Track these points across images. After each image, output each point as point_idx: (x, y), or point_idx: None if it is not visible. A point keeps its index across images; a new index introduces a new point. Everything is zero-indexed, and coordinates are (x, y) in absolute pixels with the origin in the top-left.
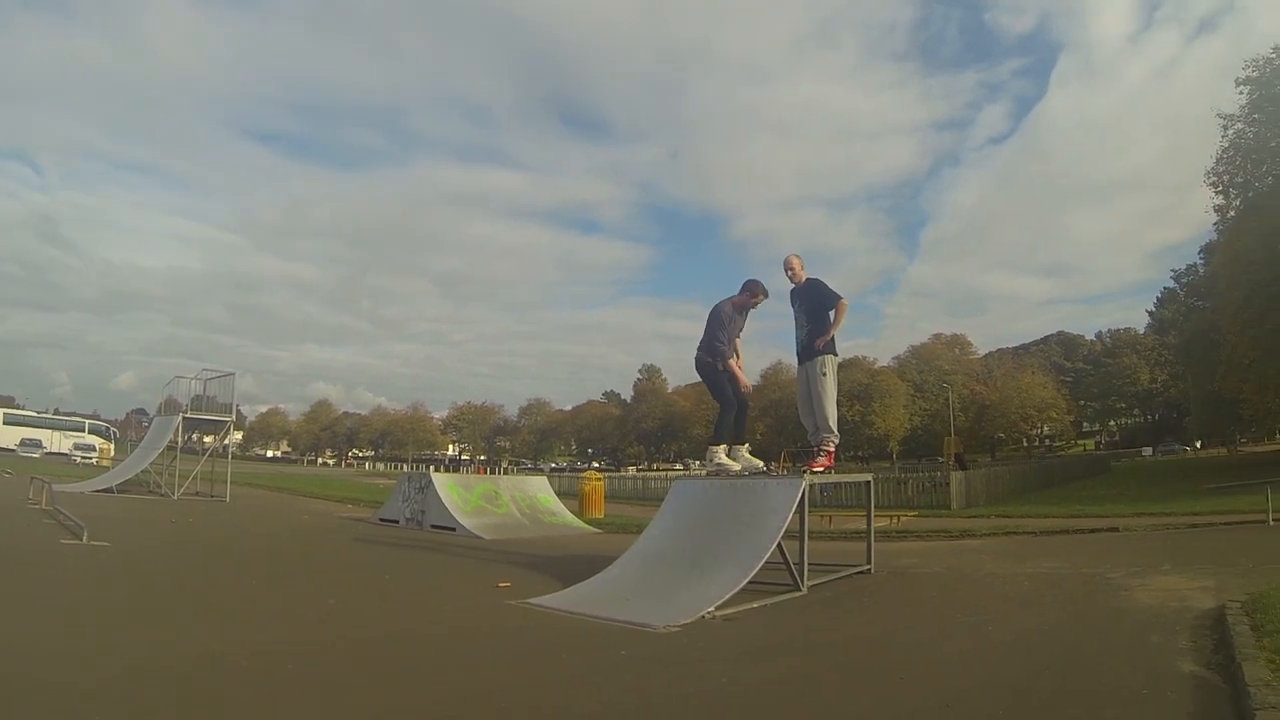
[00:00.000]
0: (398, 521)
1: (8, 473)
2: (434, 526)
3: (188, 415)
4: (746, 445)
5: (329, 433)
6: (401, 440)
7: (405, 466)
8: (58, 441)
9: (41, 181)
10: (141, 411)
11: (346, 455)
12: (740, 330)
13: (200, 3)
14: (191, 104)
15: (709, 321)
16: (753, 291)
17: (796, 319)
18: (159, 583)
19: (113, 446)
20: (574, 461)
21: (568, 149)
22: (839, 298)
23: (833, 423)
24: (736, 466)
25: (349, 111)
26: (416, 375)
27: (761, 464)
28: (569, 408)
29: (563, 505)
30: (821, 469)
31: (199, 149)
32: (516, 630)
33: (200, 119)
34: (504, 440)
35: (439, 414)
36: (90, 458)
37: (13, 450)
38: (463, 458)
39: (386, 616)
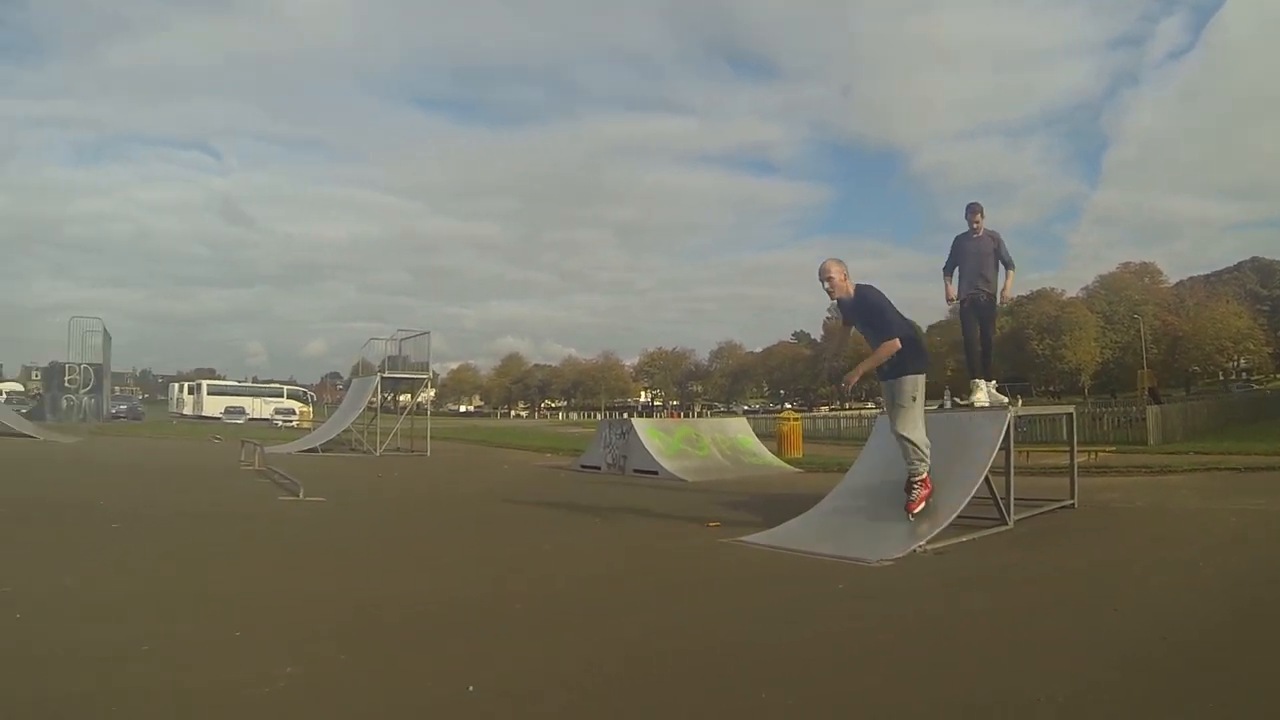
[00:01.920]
0: (599, 468)
1: (217, 438)
2: (636, 471)
3: (385, 375)
4: (993, 382)
5: (520, 385)
6: (593, 389)
7: (598, 416)
8: (259, 408)
9: (220, 165)
10: (335, 375)
11: (539, 407)
12: None
13: None
14: (353, 79)
15: (967, 255)
16: (972, 212)
17: (862, 331)
18: (374, 534)
19: (311, 409)
20: (766, 403)
21: (736, 92)
22: (891, 336)
23: (924, 447)
24: (988, 402)
25: (509, 71)
26: (604, 325)
27: (1006, 399)
28: (758, 350)
29: (763, 446)
30: (919, 507)
31: (366, 121)
32: (733, 566)
33: (364, 92)
34: (696, 385)
35: (629, 362)
36: (291, 421)
37: (218, 418)
38: (655, 404)
39: (602, 558)
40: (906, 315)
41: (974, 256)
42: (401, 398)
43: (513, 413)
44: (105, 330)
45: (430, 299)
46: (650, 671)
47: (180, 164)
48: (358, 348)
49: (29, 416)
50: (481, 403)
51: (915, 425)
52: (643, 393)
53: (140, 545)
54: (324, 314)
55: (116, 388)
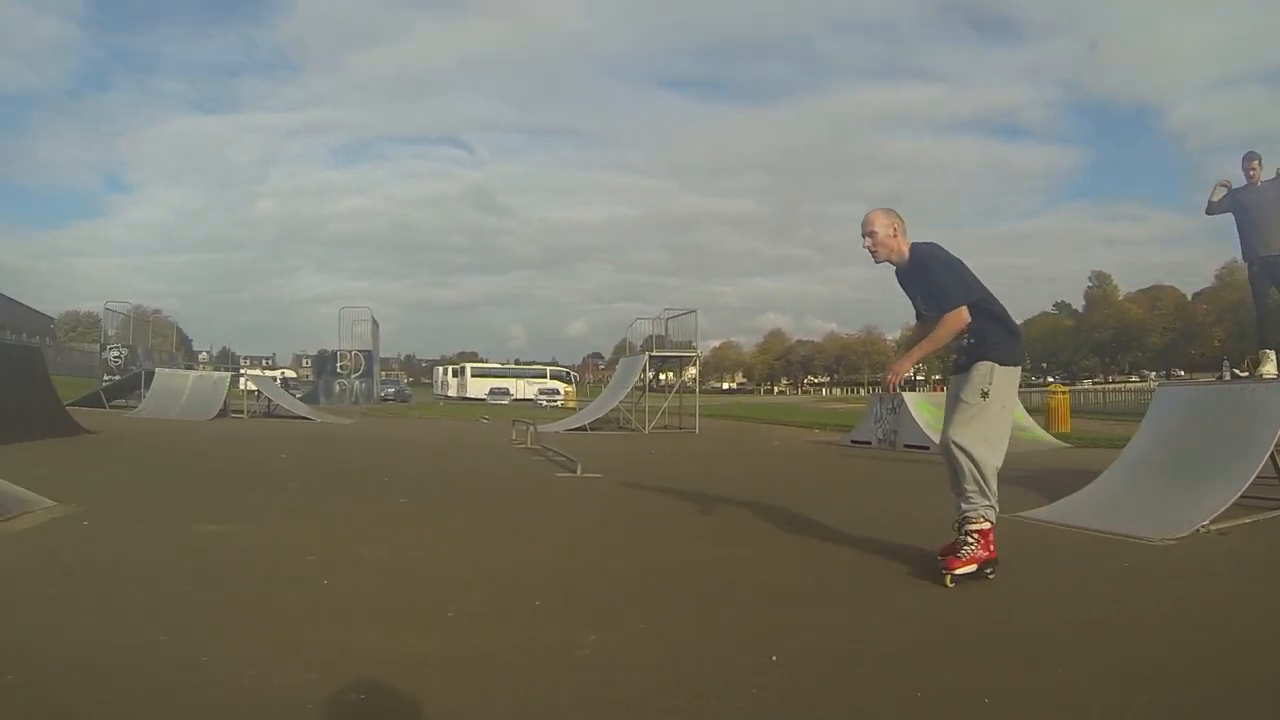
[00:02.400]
0: (869, 443)
1: (485, 419)
2: (906, 446)
3: (653, 354)
4: None
5: (783, 361)
6: (856, 364)
7: (861, 391)
8: (522, 389)
9: (472, 159)
10: (597, 355)
11: (801, 383)
12: None
13: None
14: (596, 65)
15: (1248, 209)
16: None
17: (914, 301)
18: (654, 507)
19: (574, 389)
20: (1028, 377)
21: (981, 54)
22: (955, 304)
23: (991, 476)
24: (1277, 374)
25: (751, 47)
26: (865, 299)
27: None
28: (1018, 321)
29: (1032, 420)
30: (967, 568)
31: (613, 106)
32: (1015, 543)
33: (608, 78)
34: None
35: (891, 336)
36: (555, 400)
37: (482, 399)
38: (918, 378)
39: (884, 532)
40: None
41: (1256, 209)
42: (663, 376)
43: (775, 389)
44: (373, 318)
45: (688, 277)
46: (947, 644)
47: (434, 159)
48: (618, 328)
49: (304, 400)
50: (744, 379)
51: (984, 436)
52: None
53: (428, 518)
54: (583, 295)
55: (384, 372)
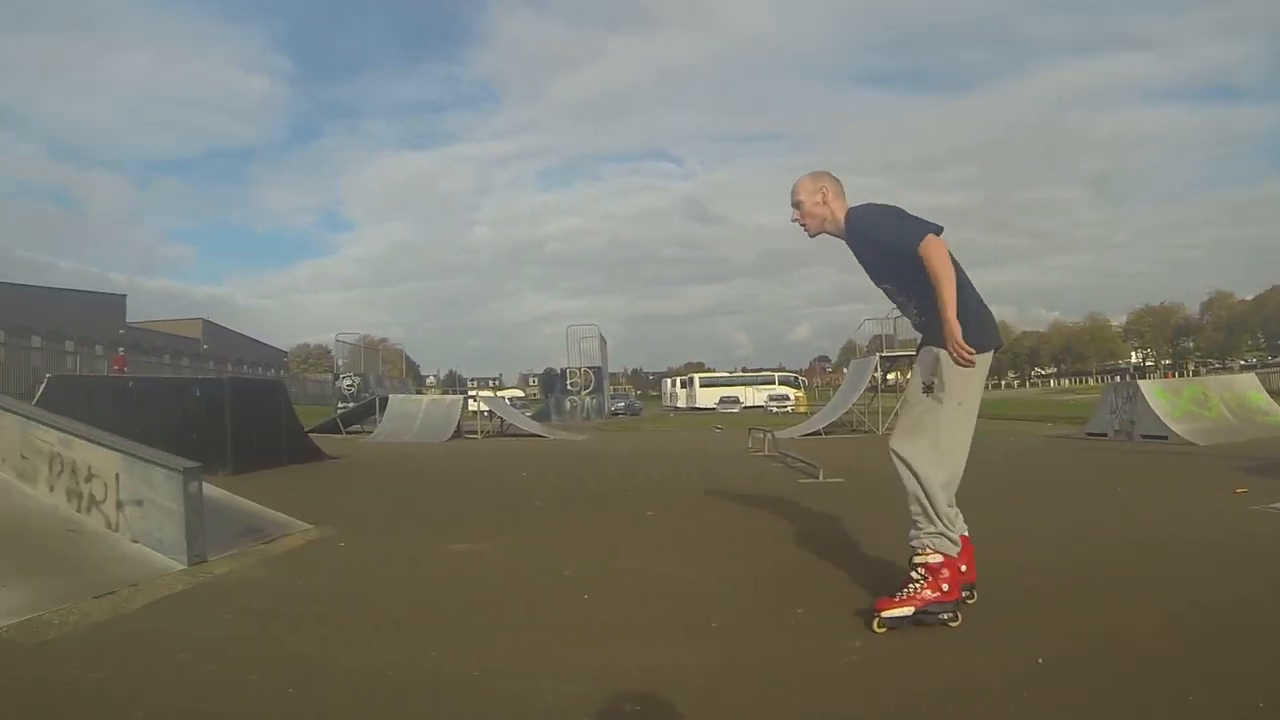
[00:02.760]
0: (1105, 435)
1: (719, 428)
2: (1144, 436)
3: (883, 354)
4: None
5: (1009, 354)
6: (1083, 353)
7: (1090, 380)
8: (751, 396)
9: (682, 170)
10: (823, 358)
11: (1028, 375)
12: None
13: None
14: (793, 68)
15: None
16: None
17: (871, 277)
18: (899, 511)
19: (803, 394)
20: (1263, 356)
21: (1185, 11)
22: (918, 239)
23: (940, 495)
24: None
25: (948, 35)
26: (1087, 285)
27: None
28: (1249, 297)
29: (1275, 404)
30: (901, 611)
31: (816, 107)
32: (1275, 534)
33: (807, 79)
34: (1187, 341)
35: (1117, 321)
36: (785, 406)
37: (712, 409)
38: (1146, 364)
39: (1133, 526)
40: None
41: None
42: (891, 376)
43: (1002, 383)
44: (601, 335)
45: None
46: (1200, 642)
47: (644, 174)
48: (842, 329)
49: (535, 418)
50: None
51: (932, 444)
52: (1133, 353)
53: (676, 529)
54: (805, 299)
55: (612, 387)
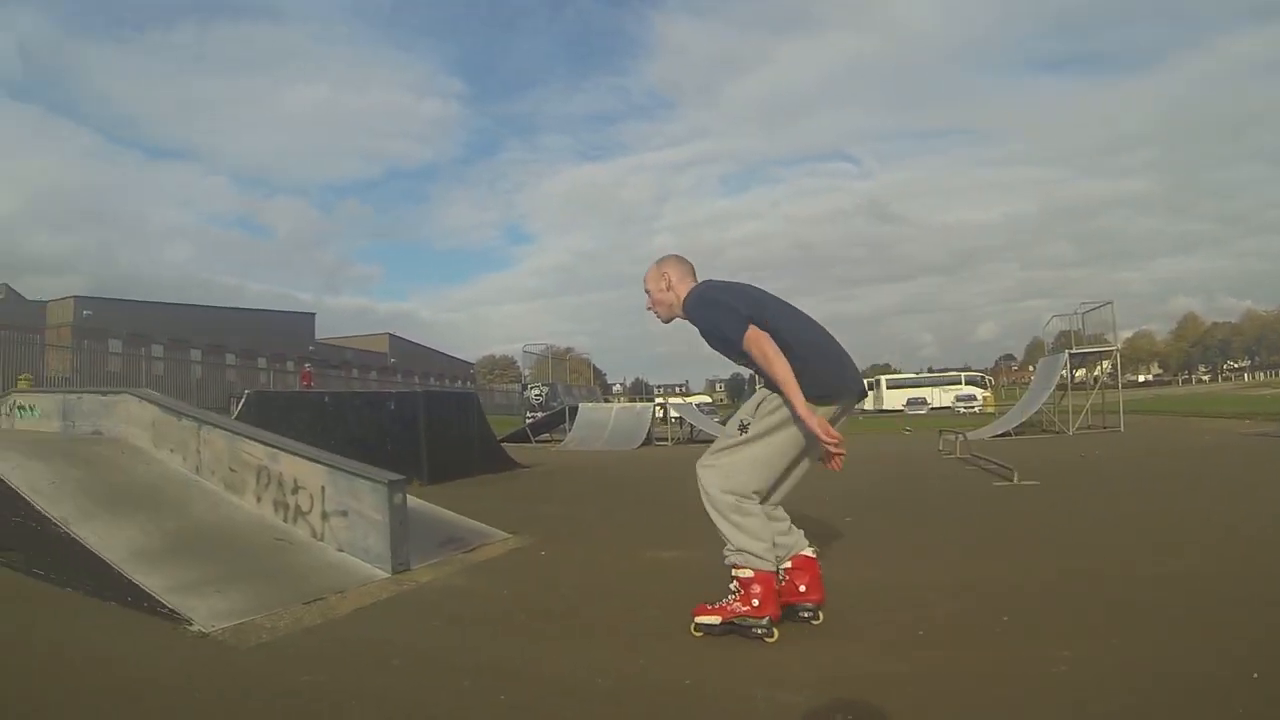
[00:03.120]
0: None
1: (908, 429)
2: None
3: (1073, 351)
4: None
5: (1199, 348)
6: (1278, 344)
7: None
8: (938, 397)
9: (860, 170)
10: (1009, 357)
11: (1220, 369)
12: None
13: None
14: (964, 60)
15: None
16: None
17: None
18: (1097, 514)
19: (991, 393)
20: None
21: None
22: (739, 333)
23: (731, 526)
24: None
25: (1120, 12)
26: None
27: None
28: None
29: None
30: (711, 619)
31: (992, 98)
32: None
33: (979, 70)
34: None
35: None
36: (973, 406)
37: (900, 410)
38: None
39: None
40: None
41: None
42: (1078, 373)
43: (1193, 378)
44: None
45: (1094, 267)
46: None
47: (823, 175)
48: (1027, 327)
49: (724, 423)
50: (1160, 370)
51: (729, 472)
52: None
53: (874, 534)
54: (990, 297)
55: None
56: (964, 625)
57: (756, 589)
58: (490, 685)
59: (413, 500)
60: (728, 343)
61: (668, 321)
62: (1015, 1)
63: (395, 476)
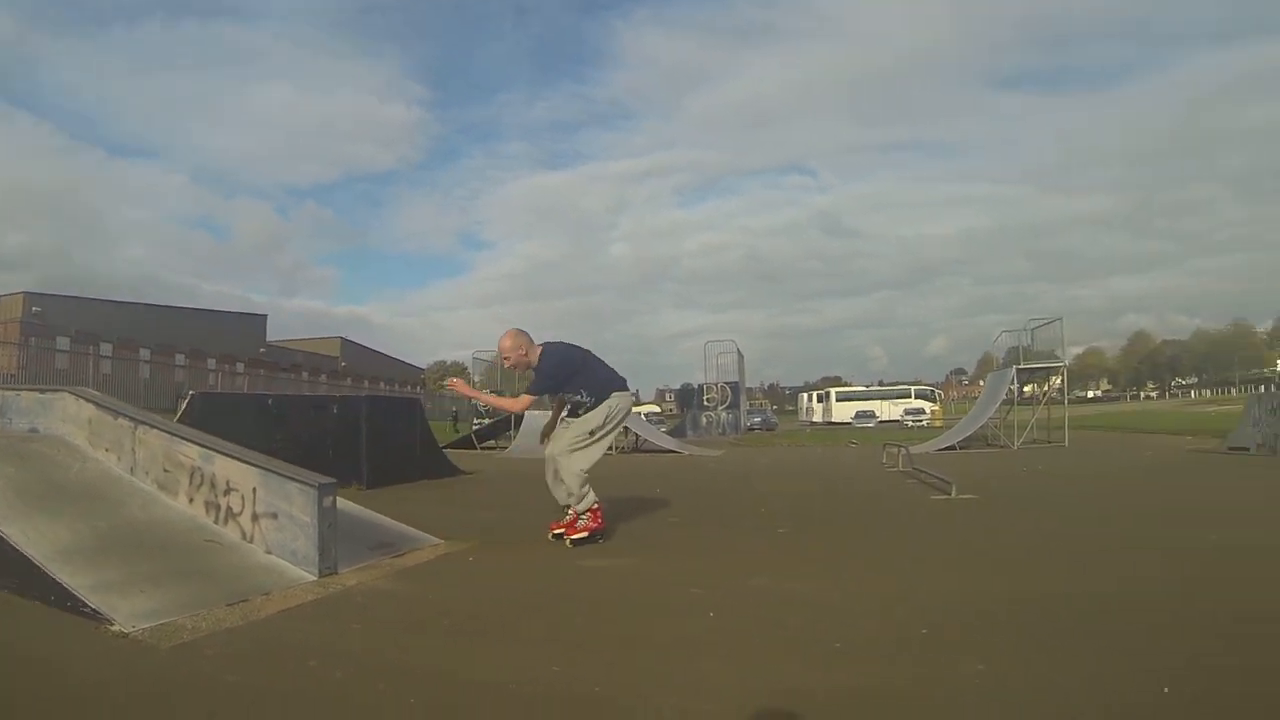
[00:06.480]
0: (1248, 449)
1: (853, 443)
2: None
3: (1020, 366)
4: None
5: (1148, 364)
6: (1225, 362)
7: (1233, 391)
8: (887, 410)
9: (818, 183)
10: (960, 371)
11: (1168, 386)
12: None
13: None
14: (930, 74)
15: None
16: None
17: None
18: (1033, 531)
19: (940, 407)
20: None
21: None
22: (527, 394)
23: (578, 486)
24: None
25: (1088, 31)
26: (1233, 289)
27: None
28: None
29: None
30: (581, 535)
31: (954, 113)
32: None
33: (944, 85)
34: None
35: (1263, 326)
36: (921, 420)
37: (848, 423)
38: None
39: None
40: None
41: None
42: (1026, 388)
43: (1141, 394)
44: (738, 349)
45: (1048, 283)
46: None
47: (781, 188)
48: (978, 342)
49: (671, 433)
50: (1109, 386)
51: (571, 457)
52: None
53: (805, 547)
54: (943, 311)
55: (748, 402)
56: (882, 638)
57: (598, 515)
58: (405, 688)
59: (346, 504)
60: (544, 386)
61: (520, 372)
62: (979, 18)
63: (326, 480)
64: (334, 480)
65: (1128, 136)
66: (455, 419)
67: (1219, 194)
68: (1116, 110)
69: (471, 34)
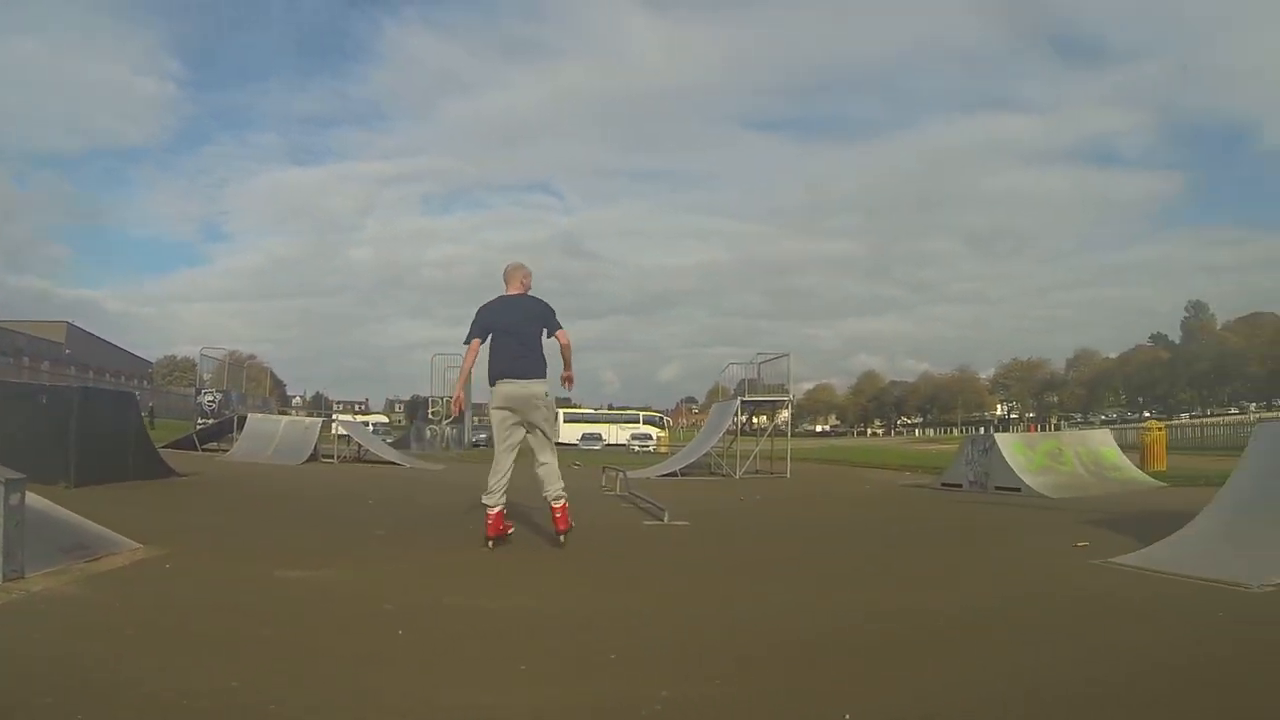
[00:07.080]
0: (961, 485)
1: (577, 464)
2: (998, 488)
3: (745, 398)
4: None
5: (876, 403)
6: (949, 404)
7: (954, 431)
8: (615, 434)
9: (563, 205)
10: (690, 399)
11: (894, 424)
12: None
13: (666, 16)
14: (686, 108)
15: None
16: None
17: None
18: (742, 556)
19: (668, 434)
20: (1124, 412)
21: (1069, 80)
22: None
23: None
24: None
25: (845, 85)
26: (960, 337)
27: None
28: (1113, 355)
29: (1126, 459)
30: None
31: (705, 149)
32: (1107, 591)
33: (699, 121)
34: (1052, 395)
35: (985, 374)
36: (648, 446)
37: (574, 444)
38: (1011, 416)
39: (968, 583)
40: None
41: None
42: (756, 420)
43: (869, 431)
44: None
45: (785, 319)
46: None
47: (527, 206)
48: (712, 372)
49: (395, 446)
50: (838, 421)
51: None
52: (998, 405)
53: (509, 566)
54: (678, 340)
55: (476, 418)
56: (568, 660)
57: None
58: (75, 702)
59: (41, 502)
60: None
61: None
62: (741, 59)
63: (14, 475)
64: (23, 476)
65: (872, 188)
66: (151, 416)
67: (956, 249)
68: (865, 162)
69: (237, 12)
